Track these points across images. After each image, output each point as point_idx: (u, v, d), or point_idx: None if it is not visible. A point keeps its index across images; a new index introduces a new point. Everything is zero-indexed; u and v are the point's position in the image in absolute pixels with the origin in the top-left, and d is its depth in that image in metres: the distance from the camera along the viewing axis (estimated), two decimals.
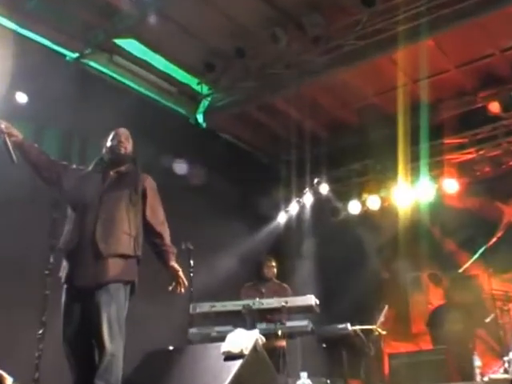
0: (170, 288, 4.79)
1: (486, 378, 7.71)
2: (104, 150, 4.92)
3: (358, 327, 8.26)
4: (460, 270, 10.87)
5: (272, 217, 11.96)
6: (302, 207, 12.03)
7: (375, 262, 11.66)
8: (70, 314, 4.43)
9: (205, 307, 6.95)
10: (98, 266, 4.39)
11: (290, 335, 7.01)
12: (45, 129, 7.85)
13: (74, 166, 4.99)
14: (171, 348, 5.27)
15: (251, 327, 5.96)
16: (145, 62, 9.55)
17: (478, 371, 8.04)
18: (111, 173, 4.79)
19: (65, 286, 4.53)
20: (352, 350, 8.25)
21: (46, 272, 5.93)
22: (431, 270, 11.44)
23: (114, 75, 9.39)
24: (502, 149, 10.68)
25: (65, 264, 4.56)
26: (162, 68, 9.82)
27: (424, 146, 10.48)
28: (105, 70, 9.28)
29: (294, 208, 12.06)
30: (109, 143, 4.88)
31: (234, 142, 11.77)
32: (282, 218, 12.07)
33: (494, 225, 10.79)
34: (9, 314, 6.67)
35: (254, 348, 4.60)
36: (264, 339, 4.89)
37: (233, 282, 8.97)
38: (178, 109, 10.62)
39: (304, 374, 6.70)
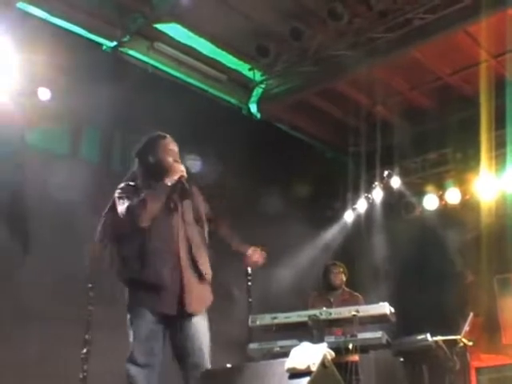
0: None
1: None
2: (155, 164, 4.70)
3: (439, 338, 8.16)
4: None
5: (338, 216, 11.92)
6: (372, 204, 11.95)
7: (457, 263, 11.52)
8: (156, 337, 4.56)
9: (265, 319, 6.90)
10: (203, 291, 4.74)
11: (362, 349, 6.93)
12: (82, 128, 7.93)
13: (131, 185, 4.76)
14: (229, 366, 5.29)
15: (318, 340, 5.94)
16: (190, 47, 9.60)
17: None
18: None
19: (149, 312, 4.57)
20: (434, 364, 8.16)
21: (90, 285, 6.01)
22: None
23: (156, 64, 9.48)
24: None
25: (154, 295, 4.56)
26: (209, 54, 9.86)
27: (510, 130, 10.28)
28: (146, 58, 9.37)
29: (362, 205, 11.98)
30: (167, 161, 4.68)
31: (292, 133, 11.77)
32: (349, 217, 12.01)
33: None
34: (51, 331, 6.78)
35: (322, 364, 4.58)
36: (333, 354, 4.87)
37: (296, 290, 8.97)
38: (229, 98, 10.67)
39: None
